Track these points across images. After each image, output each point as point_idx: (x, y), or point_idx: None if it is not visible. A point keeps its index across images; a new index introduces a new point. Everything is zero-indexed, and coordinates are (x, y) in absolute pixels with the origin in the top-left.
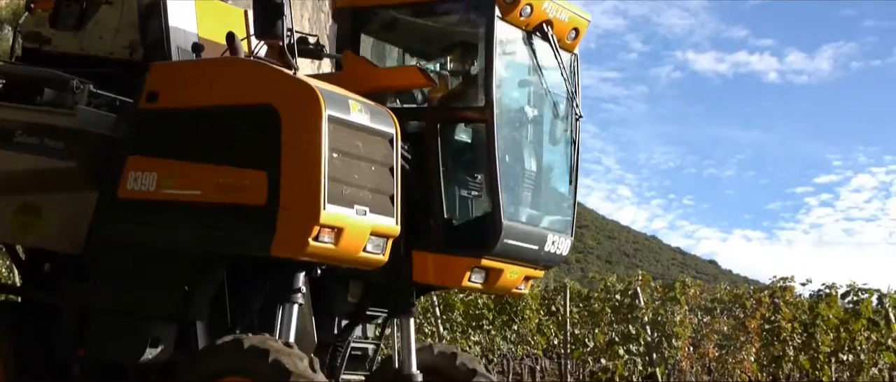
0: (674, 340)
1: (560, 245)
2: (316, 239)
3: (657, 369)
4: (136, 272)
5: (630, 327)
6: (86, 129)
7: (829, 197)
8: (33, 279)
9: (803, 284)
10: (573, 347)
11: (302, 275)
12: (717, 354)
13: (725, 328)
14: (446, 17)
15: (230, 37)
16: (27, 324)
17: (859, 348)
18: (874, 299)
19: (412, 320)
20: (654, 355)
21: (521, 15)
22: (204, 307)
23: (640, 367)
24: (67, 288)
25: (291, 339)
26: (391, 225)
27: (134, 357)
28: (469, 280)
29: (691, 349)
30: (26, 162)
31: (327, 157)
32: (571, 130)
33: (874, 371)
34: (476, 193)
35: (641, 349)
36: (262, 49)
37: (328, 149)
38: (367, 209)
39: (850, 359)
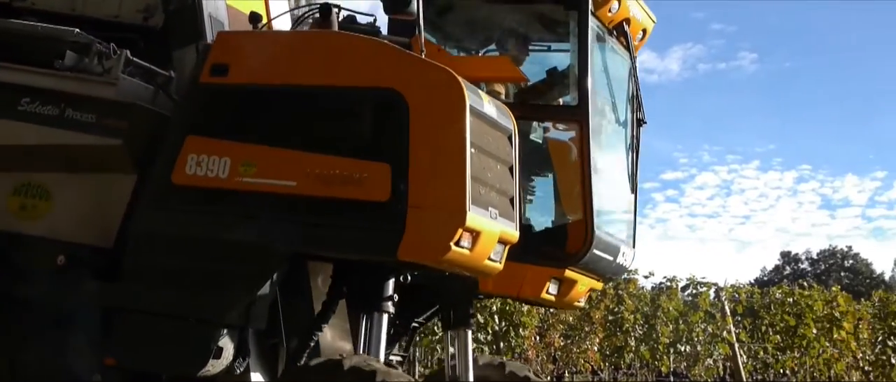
0: (520, 330)
1: (628, 256)
2: (457, 243)
3: (504, 357)
4: (196, 270)
5: (478, 316)
6: (133, 103)
7: (675, 194)
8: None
9: (646, 277)
10: (422, 335)
11: (392, 282)
12: (562, 344)
13: (570, 318)
14: (526, 5)
15: (326, 8)
16: (23, 328)
17: (697, 339)
18: (711, 292)
19: (470, 333)
20: (502, 344)
21: (610, 10)
22: (265, 312)
23: (487, 355)
24: (88, 286)
25: (382, 355)
26: (513, 231)
27: (193, 368)
28: (547, 291)
29: (537, 338)
30: (34, 134)
31: (469, 153)
32: (634, 135)
33: (709, 361)
34: (545, 198)
35: (489, 338)
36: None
37: (470, 144)
38: (496, 212)
39: (687, 350)
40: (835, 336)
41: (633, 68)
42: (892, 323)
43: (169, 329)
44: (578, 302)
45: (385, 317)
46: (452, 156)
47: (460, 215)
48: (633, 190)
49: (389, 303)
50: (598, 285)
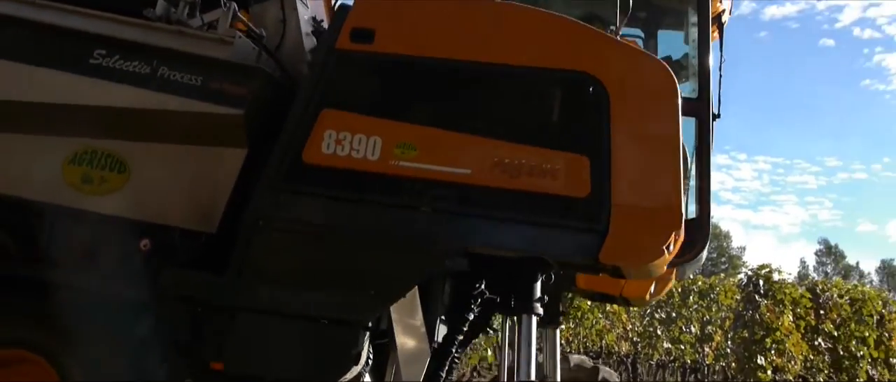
0: None
1: (704, 253)
2: (667, 246)
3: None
4: (332, 264)
5: None
6: (256, 67)
7: None
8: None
9: None
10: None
11: (540, 281)
12: None
13: None
14: None
15: None
16: (84, 322)
17: None
18: None
19: (559, 331)
20: None
21: (720, 1)
22: (387, 313)
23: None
24: (180, 277)
25: (534, 361)
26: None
27: (331, 375)
28: (649, 291)
29: None
30: (112, 94)
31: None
32: (709, 130)
33: (490, 332)
34: None
35: None
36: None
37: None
38: None
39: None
40: (607, 308)
41: (721, 62)
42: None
43: (298, 331)
44: (653, 300)
45: (534, 320)
46: (666, 152)
47: (677, 217)
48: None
49: (539, 305)
50: (672, 283)
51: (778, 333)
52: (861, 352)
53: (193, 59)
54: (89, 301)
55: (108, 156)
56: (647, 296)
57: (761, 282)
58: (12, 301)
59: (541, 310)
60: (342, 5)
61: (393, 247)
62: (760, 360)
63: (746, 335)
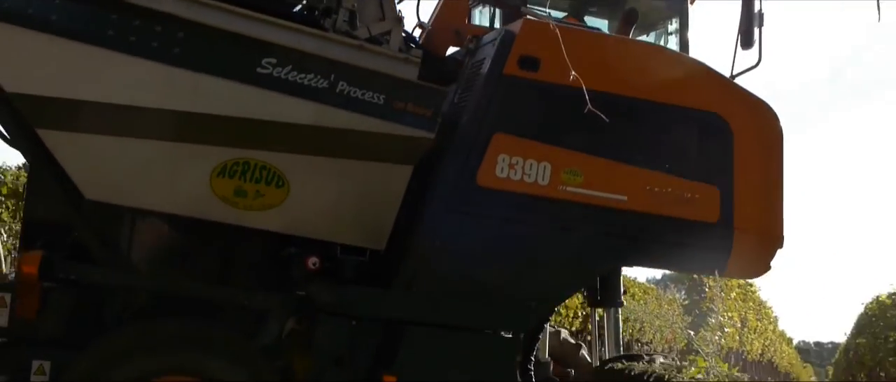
0: None
1: None
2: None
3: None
4: (501, 281)
5: None
6: (440, 89)
7: None
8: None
9: None
10: None
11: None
12: None
13: None
14: None
15: (631, 15)
16: (245, 342)
17: None
18: None
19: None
20: None
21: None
22: None
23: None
24: (351, 294)
25: (621, 343)
26: None
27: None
28: None
29: None
30: (284, 108)
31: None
32: None
33: None
34: None
35: None
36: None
37: None
38: None
39: None
40: None
41: None
42: None
43: (465, 342)
44: None
45: (620, 311)
46: (775, 184)
47: (781, 238)
48: None
49: (622, 299)
50: None
51: None
52: None
53: (376, 77)
54: (251, 320)
55: (262, 168)
56: None
57: None
58: (171, 324)
59: (624, 302)
60: (508, 31)
61: (556, 265)
62: None
63: None
